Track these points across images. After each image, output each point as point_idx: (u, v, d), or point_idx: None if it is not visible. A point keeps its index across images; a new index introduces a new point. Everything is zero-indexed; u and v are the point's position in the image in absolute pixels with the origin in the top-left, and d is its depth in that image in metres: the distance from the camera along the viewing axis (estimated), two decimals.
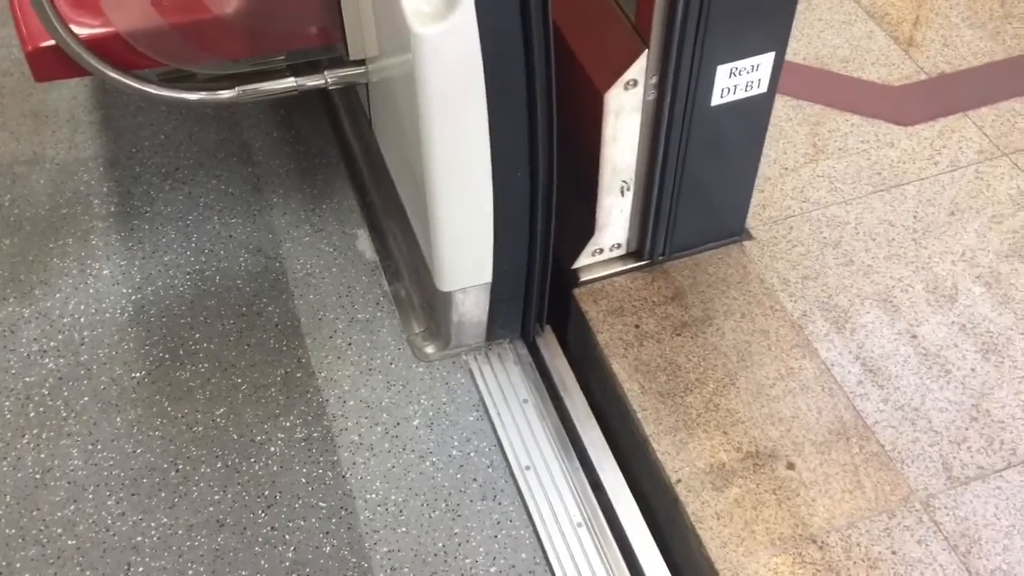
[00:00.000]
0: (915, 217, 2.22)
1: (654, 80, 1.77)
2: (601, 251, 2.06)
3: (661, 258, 2.09)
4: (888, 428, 1.86)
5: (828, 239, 2.17)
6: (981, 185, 2.29)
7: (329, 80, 2.06)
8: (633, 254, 2.09)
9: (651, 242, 2.04)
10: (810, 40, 2.65)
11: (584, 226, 2.02)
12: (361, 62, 2.03)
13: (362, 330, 2.16)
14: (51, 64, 1.89)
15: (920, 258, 2.14)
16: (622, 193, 1.94)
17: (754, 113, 1.89)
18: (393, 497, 1.89)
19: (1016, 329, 2.01)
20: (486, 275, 1.92)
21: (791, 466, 1.80)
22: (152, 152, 2.54)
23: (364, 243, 2.34)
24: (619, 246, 2.06)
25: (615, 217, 2.00)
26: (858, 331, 2.01)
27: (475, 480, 1.92)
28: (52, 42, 1.82)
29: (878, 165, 2.33)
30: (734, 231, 2.14)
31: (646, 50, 1.73)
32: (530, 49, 1.57)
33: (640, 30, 1.74)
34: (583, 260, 2.06)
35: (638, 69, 1.75)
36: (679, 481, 1.78)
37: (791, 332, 2.00)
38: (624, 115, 1.80)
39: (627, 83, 1.76)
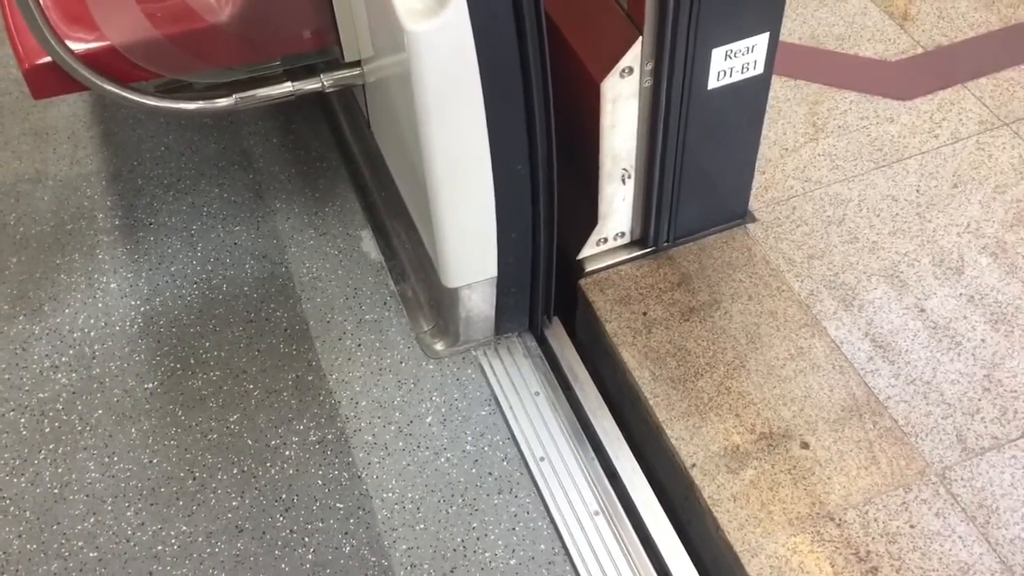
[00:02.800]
0: (918, 191, 2.22)
1: (650, 67, 1.77)
2: (605, 240, 2.06)
3: (666, 244, 2.09)
4: (901, 403, 1.86)
5: (832, 217, 2.17)
6: (983, 156, 2.28)
7: (326, 83, 2.06)
8: (637, 242, 2.09)
9: (655, 229, 2.04)
10: (804, 19, 2.64)
11: (587, 216, 2.02)
12: (357, 63, 2.04)
13: (371, 330, 2.17)
14: (49, 81, 1.90)
15: (925, 232, 2.14)
16: (623, 181, 1.94)
17: (751, 95, 1.89)
18: (410, 495, 1.90)
19: (1023, 298, 2.01)
20: (491, 270, 1.93)
21: (805, 445, 1.80)
22: (154, 164, 2.55)
23: (369, 244, 2.35)
24: (623, 235, 2.07)
25: (617, 205, 2.00)
26: (866, 308, 2.01)
27: (490, 474, 1.92)
28: (49, 59, 1.83)
29: (878, 141, 2.33)
30: (737, 214, 2.14)
31: (640, 37, 1.73)
32: (524, 41, 1.57)
33: (633, 17, 1.74)
34: (588, 250, 2.06)
35: (633, 56, 1.75)
36: (694, 465, 1.79)
37: (799, 312, 2.00)
38: (621, 103, 1.80)
39: (623, 71, 1.76)
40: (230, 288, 2.27)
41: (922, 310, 2.00)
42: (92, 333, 2.20)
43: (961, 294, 2.02)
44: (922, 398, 1.86)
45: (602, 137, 1.85)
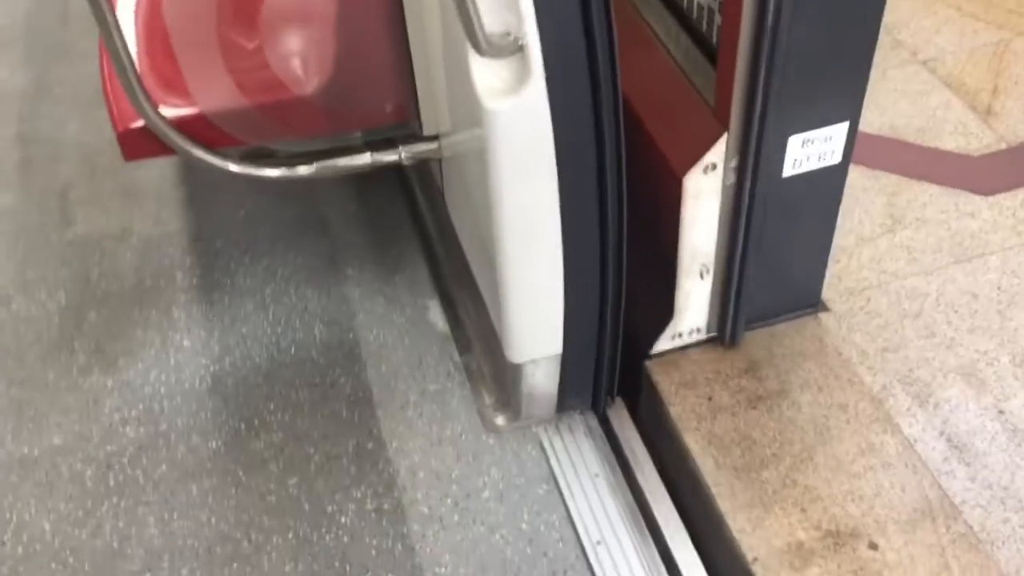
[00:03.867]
0: (999, 289, 2.16)
1: (734, 163, 1.75)
2: (680, 335, 2.03)
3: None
4: (976, 508, 1.78)
5: (908, 311, 2.12)
6: None
7: (404, 156, 2.10)
8: (712, 339, 2.05)
9: (731, 326, 2.00)
10: (884, 110, 2.62)
11: (662, 310, 1.99)
12: (435, 137, 2.08)
13: (433, 401, 2.17)
14: (140, 144, 1.97)
15: (1006, 330, 2.07)
16: (701, 276, 1.91)
17: (827, 183, 1.87)
18: (463, 571, 1.87)
19: None
20: (556, 346, 1.92)
21: (874, 546, 1.73)
22: (233, 226, 2.62)
23: (436, 314, 2.36)
24: (699, 330, 2.03)
25: (694, 301, 1.97)
26: (942, 406, 1.94)
27: (545, 555, 1.89)
28: (142, 123, 1.91)
29: (959, 235, 2.28)
30: (810, 302, 2.10)
31: (725, 134, 1.72)
32: (600, 123, 1.59)
33: (719, 113, 1.73)
34: (662, 345, 2.03)
35: (717, 153, 1.73)
36: (756, 560, 1.73)
37: (871, 406, 1.94)
38: (703, 199, 1.78)
39: (706, 167, 1.74)
40: (298, 351, 2.30)
41: (1001, 411, 1.93)
42: (162, 389, 2.24)
43: None
44: (999, 504, 1.78)
45: (682, 232, 1.83)
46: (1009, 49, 2.77)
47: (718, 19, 1.70)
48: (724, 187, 1.78)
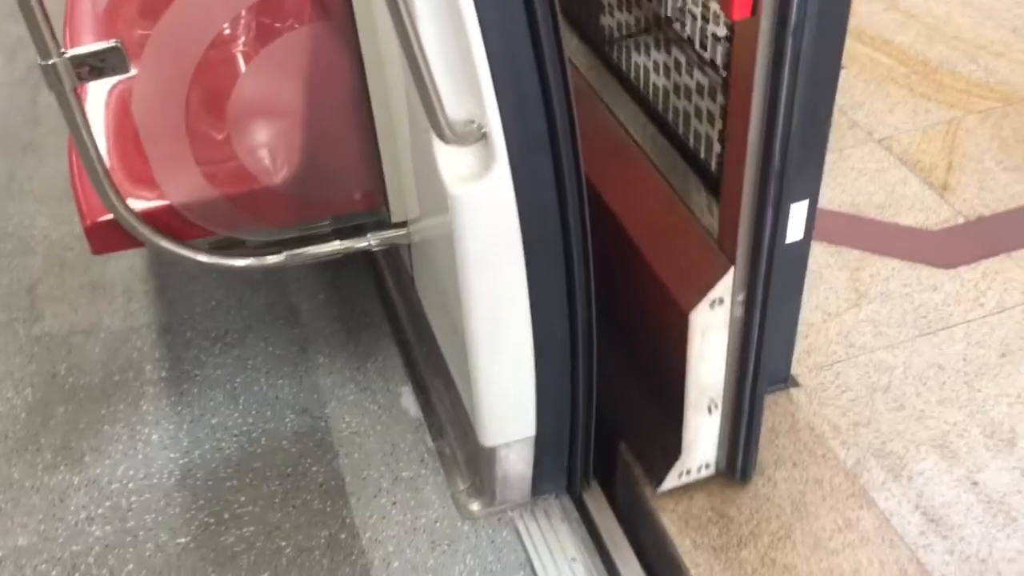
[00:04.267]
0: (965, 360, 2.18)
1: (741, 297, 1.67)
2: (688, 472, 1.92)
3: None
4: None
5: (877, 384, 2.14)
6: None
7: (373, 242, 2.12)
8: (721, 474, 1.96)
9: (743, 461, 1.90)
10: (844, 188, 2.68)
11: (669, 447, 1.88)
12: (403, 223, 2.10)
13: (407, 488, 2.14)
14: (109, 237, 1.98)
15: (974, 401, 2.09)
16: (709, 411, 1.82)
17: (792, 260, 1.90)
18: None
19: None
20: (529, 429, 1.91)
21: None
22: (203, 317, 2.61)
23: (408, 400, 2.35)
24: (707, 466, 1.93)
25: (703, 437, 1.87)
26: (916, 479, 1.94)
27: None
28: (110, 216, 1.91)
29: (923, 308, 2.31)
30: (779, 378, 2.12)
31: (732, 268, 1.64)
32: (565, 207, 1.61)
33: (724, 246, 1.66)
34: (669, 483, 1.92)
35: (725, 287, 1.65)
36: None
37: (846, 481, 1.94)
38: (710, 334, 1.70)
39: (713, 302, 1.66)
40: (269, 442, 2.27)
41: (975, 483, 1.93)
42: (130, 485, 2.19)
43: (1015, 467, 1.95)
44: None
45: (689, 368, 1.73)
46: (961, 127, 2.85)
47: (717, 148, 1.65)
48: (732, 320, 1.69)
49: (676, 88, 1.76)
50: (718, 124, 1.63)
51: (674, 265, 1.75)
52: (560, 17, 1.46)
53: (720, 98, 1.61)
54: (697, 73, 1.66)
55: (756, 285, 1.65)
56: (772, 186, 1.54)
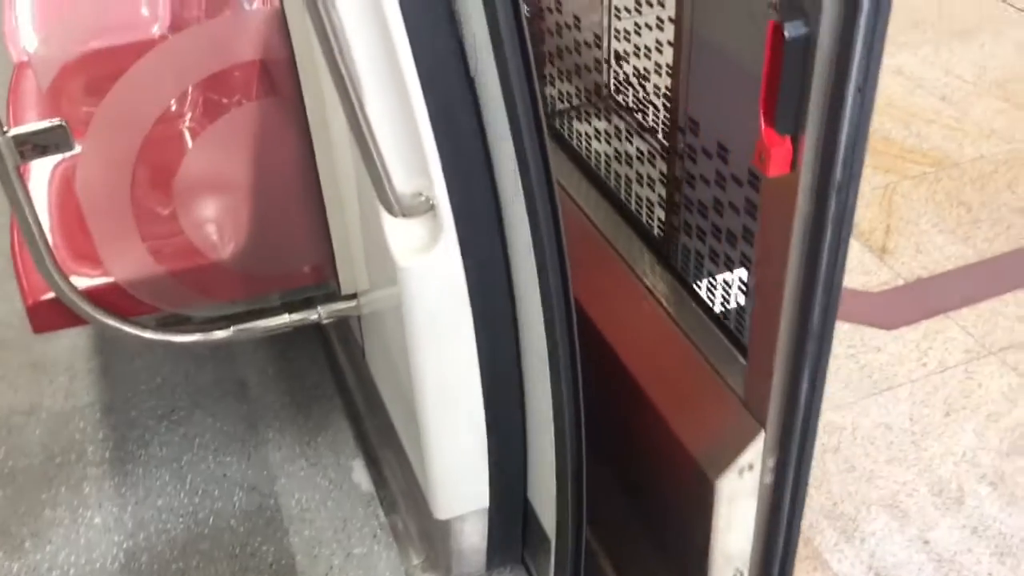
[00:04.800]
0: (911, 419, 2.22)
1: (772, 463, 1.49)
2: None
3: None
4: None
5: (827, 445, 2.16)
6: (972, 384, 2.30)
7: (322, 315, 2.11)
8: None
9: None
10: None
11: None
12: (353, 295, 2.09)
13: (359, 565, 2.10)
14: (51, 316, 1.94)
15: (921, 460, 2.12)
16: None
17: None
18: None
19: None
20: (483, 501, 1.89)
21: None
22: (149, 395, 2.56)
23: (360, 474, 2.32)
24: None
25: None
26: (868, 539, 1.96)
27: None
28: (52, 294, 1.88)
29: (867, 369, 2.35)
30: None
31: (762, 432, 1.46)
32: (511, 277, 1.62)
33: (752, 407, 1.49)
34: None
35: (755, 452, 1.49)
36: None
37: (799, 544, 1.94)
38: (738, 501, 1.54)
39: (742, 468, 1.50)
40: (217, 521, 2.22)
41: (926, 542, 1.95)
42: (71, 571, 2.12)
43: (964, 525, 1.97)
44: None
45: (714, 536, 1.58)
46: (897, 191, 2.94)
47: (740, 300, 1.53)
48: (762, 486, 1.52)
49: (697, 232, 1.65)
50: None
51: (698, 428, 1.58)
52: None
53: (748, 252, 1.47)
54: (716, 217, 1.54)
55: (790, 450, 1.46)
56: (810, 348, 1.34)
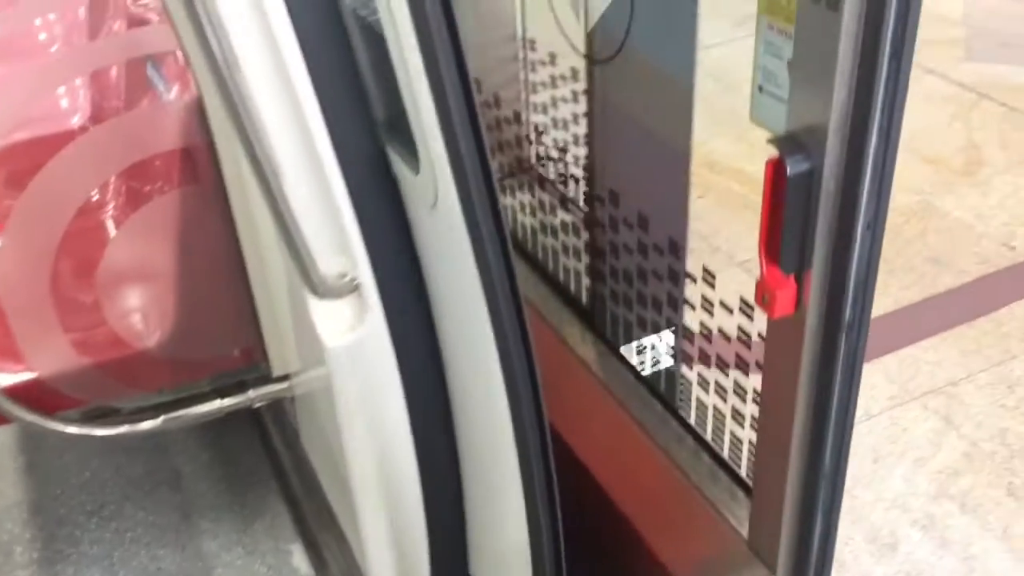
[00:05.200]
0: None
1: None
2: None
3: None
4: None
5: None
6: (897, 430, 2.36)
7: (254, 399, 2.08)
8: None
9: None
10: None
11: None
12: (284, 377, 2.08)
13: None
14: None
15: (855, 508, 2.16)
16: None
17: (664, 388, 1.96)
18: None
19: (959, 573, 2.00)
20: None
21: None
22: (78, 491, 2.49)
23: (299, 558, 2.28)
24: None
25: None
26: None
27: None
28: None
29: None
30: None
31: None
32: (438, 351, 1.63)
33: (759, 551, 1.39)
34: None
35: None
36: None
37: None
38: None
39: None
40: None
41: None
42: None
43: (898, 571, 2.01)
44: None
45: None
46: None
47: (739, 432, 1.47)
48: None
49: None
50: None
51: (697, 567, 1.50)
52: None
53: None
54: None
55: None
56: (823, 491, 1.27)
